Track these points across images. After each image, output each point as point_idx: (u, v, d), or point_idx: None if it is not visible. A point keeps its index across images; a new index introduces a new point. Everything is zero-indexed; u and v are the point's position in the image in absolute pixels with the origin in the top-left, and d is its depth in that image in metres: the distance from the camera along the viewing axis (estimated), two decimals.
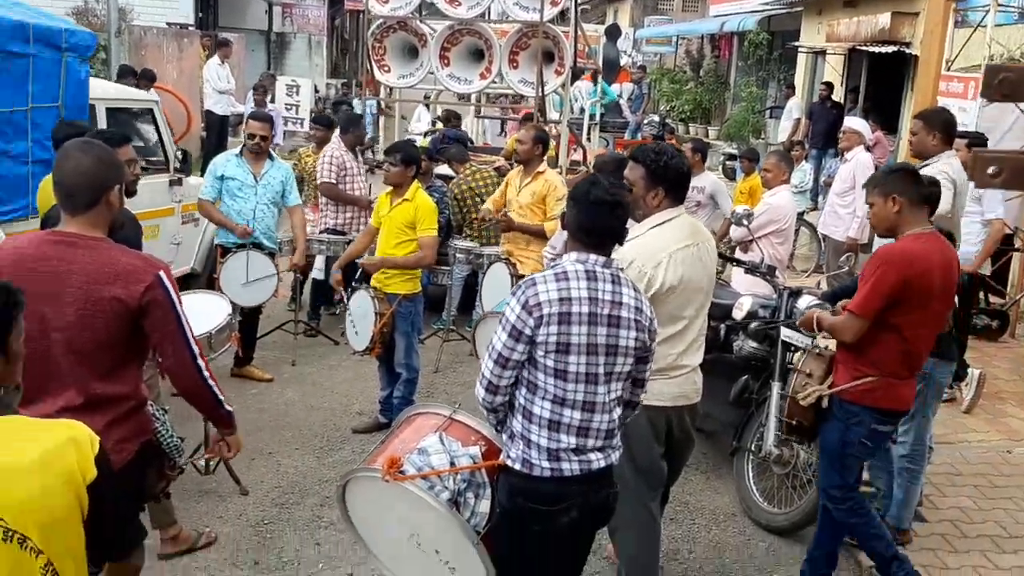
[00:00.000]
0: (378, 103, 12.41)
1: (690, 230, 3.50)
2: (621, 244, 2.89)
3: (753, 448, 4.74)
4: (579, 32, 9.42)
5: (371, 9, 8.27)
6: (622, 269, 2.87)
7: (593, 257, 2.76)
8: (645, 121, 18.41)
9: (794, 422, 3.87)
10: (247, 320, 6.29)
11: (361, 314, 5.45)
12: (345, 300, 5.66)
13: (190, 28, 14.66)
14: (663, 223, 3.45)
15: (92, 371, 2.66)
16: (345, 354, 5.98)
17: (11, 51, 5.31)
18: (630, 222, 3.54)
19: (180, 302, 2.73)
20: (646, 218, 3.47)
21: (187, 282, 7.01)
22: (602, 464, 2.81)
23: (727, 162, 16.28)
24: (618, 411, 2.86)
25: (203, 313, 4.54)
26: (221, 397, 2.92)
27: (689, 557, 4.42)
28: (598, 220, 2.79)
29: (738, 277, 6.05)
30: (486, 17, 8.29)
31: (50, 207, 3.99)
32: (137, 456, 2.78)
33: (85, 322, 2.61)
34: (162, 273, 2.69)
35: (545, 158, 6.57)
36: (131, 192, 3.95)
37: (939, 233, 3.70)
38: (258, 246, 6.19)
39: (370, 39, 8.41)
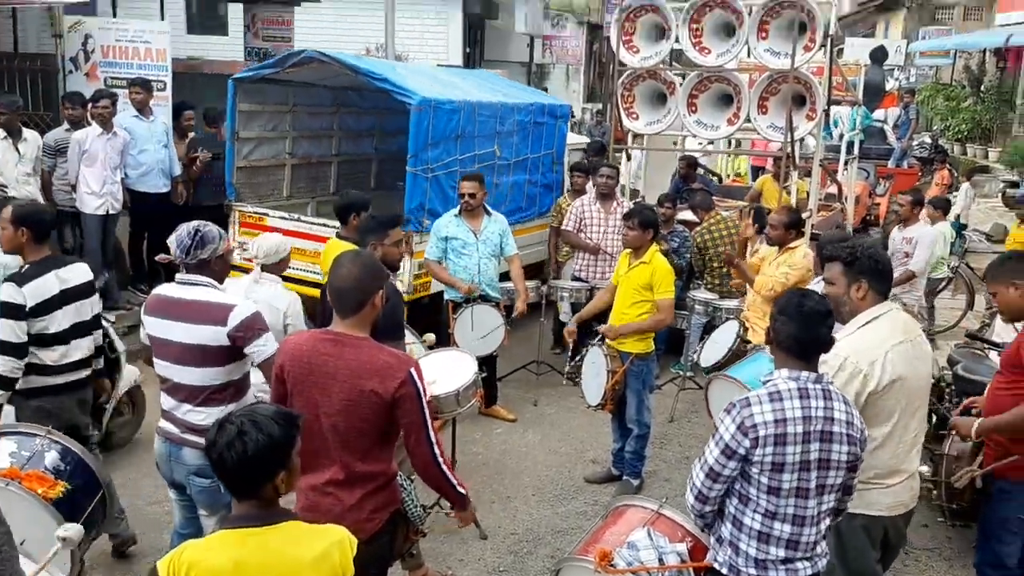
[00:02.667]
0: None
1: (903, 326, 3.42)
2: (827, 352, 2.93)
3: None
4: (834, 66, 9.13)
5: (623, 60, 8.53)
6: (831, 383, 2.90)
7: (805, 375, 2.82)
8: (915, 143, 17.25)
9: (954, 506, 4.01)
10: (486, 367, 6.69)
11: (595, 371, 5.73)
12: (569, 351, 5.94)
13: (457, 68, 15.78)
14: (874, 319, 3.39)
15: (353, 453, 3.10)
16: (582, 397, 6.26)
17: (539, 121, 9.00)
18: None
19: (426, 396, 3.11)
20: (853, 316, 3.43)
21: None
22: (808, 572, 2.87)
23: (1008, 191, 14.84)
24: (826, 522, 2.91)
25: (452, 371, 4.99)
26: (453, 481, 3.25)
27: None
28: (811, 331, 2.86)
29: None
30: (736, 64, 8.29)
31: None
32: (387, 524, 3.22)
33: (349, 410, 3.04)
34: (413, 370, 3.07)
35: (801, 235, 6.45)
36: (394, 268, 4.47)
37: None
38: (484, 299, 6.58)
39: (619, 88, 8.68)
